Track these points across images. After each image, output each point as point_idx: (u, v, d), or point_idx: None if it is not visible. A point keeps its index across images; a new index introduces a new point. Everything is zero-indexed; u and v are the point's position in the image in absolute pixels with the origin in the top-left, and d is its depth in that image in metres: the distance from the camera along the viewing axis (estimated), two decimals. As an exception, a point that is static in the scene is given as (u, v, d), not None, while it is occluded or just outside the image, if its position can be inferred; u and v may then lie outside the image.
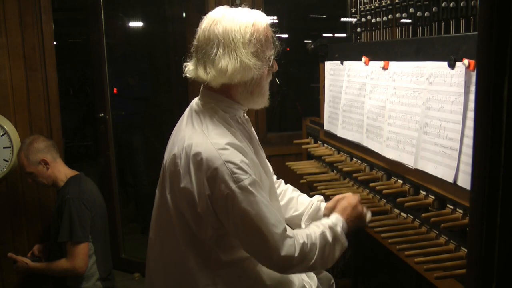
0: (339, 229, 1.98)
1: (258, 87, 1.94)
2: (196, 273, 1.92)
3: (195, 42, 1.93)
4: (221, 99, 1.94)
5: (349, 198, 2.15)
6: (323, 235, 1.93)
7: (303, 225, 2.27)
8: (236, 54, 1.81)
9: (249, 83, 1.90)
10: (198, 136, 1.84)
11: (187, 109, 2.04)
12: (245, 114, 2.08)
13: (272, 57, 1.94)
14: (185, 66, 1.97)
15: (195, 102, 2.03)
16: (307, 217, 2.29)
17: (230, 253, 1.94)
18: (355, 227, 2.12)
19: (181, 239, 1.91)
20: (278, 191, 2.35)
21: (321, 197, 2.38)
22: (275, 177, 2.38)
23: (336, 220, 2.02)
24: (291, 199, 2.35)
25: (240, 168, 1.78)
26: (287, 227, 1.87)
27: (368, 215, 2.18)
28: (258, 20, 1.88)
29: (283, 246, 1.80)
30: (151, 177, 5.14)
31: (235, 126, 1.95)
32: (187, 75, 1.95)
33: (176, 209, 1.90)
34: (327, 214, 2.17)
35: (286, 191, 2.38)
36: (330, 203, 2.22)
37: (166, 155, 2.00)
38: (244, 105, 2.00)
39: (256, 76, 1.88)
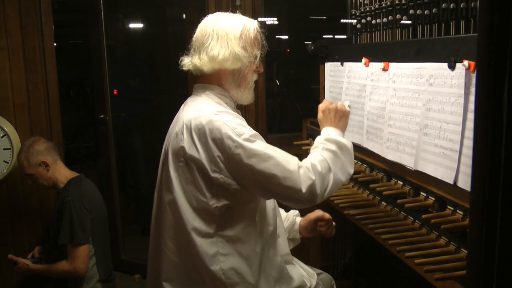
0: (333, 136, 2.09)
1: (244, 81, 2.14)
2: (198, 251, 1.97)
3: (193, 39, 2.15)
4: (215, 87, 2.12)
5: (319, 108, 2.25)
6: (323, 149, 2.04)
7: None
8: (228, 44, 2.04)
9: (237, 74, 2.10)
10: (194, 111, 2.01)
11: (183, 105, 2.19)
12: (235, 108, 2.22)
13: (259, 56, 2.14)
14: (181, 60, 2.16)
15: (189, 97, 2.19)
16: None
17: (238, 225, 2.01)
18: (345, 123, 2.22)
19: (185, 216, 1.98)
20: None
21: (297, 212, 2.54)
22: None
23: (325, 131, 2.16)
24: None
25: (239, 124, 1.95)
26: (297, 159, 1.97)
27: (346, 103, 2.27)
28: (249, 23, 2.12)
29: (301, 179, 1.90)
30: (151, 178, 5.13)
31: (229, 110, 2.08)
32: (184, 68, 2.15)
33: (181, 185, 1.99)
34: (302, 230, 2.47)
35: None
36: (303, 221, 2.48)
37: (166, 140, 2.13)
38: (233, 96, 2.15)
39: (244, 68, 2.09)
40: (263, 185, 1.92)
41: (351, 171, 2.07)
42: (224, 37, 2.04)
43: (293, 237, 2.48)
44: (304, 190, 1.89)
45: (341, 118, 2.19)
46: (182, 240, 2.00)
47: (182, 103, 2.18)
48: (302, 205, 2.03)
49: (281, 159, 1.90)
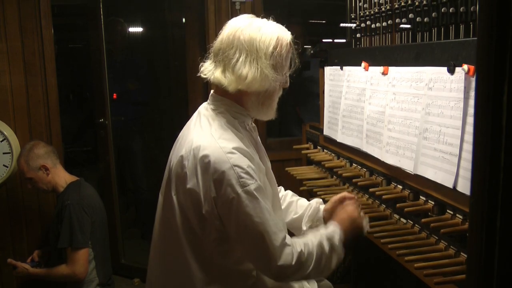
0: (336, 240, 1.97)
1: (269, 99, 1.97)
2: (196, 276, 1.92)
3: (216, 44, 1.94)
4: (232, 104, 1.96)
5: (348, 209, 2.14)
6: (320, 245, 1.93)
7: (304, 227, 2.29)
8: (258, 64, 1.84)
9: (262, 94, 1.93)
10: (206, 139, 1.86)
11: (195, 113, 2.05)
12: (253, 123, 2.09)
13: (288, 73, 1.98)
14: (201, 65, 1.99)
15: (203, 107, 2.04)
16: (307, 219, 2.30)
17: (230, 258, 1.95)
18: (353, 234, 2.11)
19: (184, 241, 1.92)
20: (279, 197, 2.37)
21: (320, 200, 2.39)
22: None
23: (334, 230, 2.01)
24: (291, 203, 2.36)
25: (247, 172, 1.80)
26: (287, 235, 1.87)
27: (366, 225, 2.16)
28: (283, 35, 1.92)
29: (281, 255, 1.81)
30: (151, 182, 5.14)
31: (243, 133, 1.97)
32: (203, 75, 1.96)
33: (181, 210, 1.91)
34: (326, 216, 2.23)
35: (286, 196, 2.40)
36: (328, 204, 2.25)
37: (172, 157, 2.01)
38: (253, 114, 2.02)
39: (271, 88, 1.91)
40: (241, 241, 1.87)
41: (325, 275, 2.01)
42: (254, 54, 1.84)
43: (316, 225, 2.32)
44: (278, 264, 1.81)
45: (354, 229, 2.10)
46: (181, 262, 1.95)
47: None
48: (265, 275, 1.95)
49: (270, 229, 1.80)
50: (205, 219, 1.86)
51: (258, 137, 2.15)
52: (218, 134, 1.87)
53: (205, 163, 1.81)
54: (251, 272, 2.00)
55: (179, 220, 1.92)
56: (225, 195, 1.78)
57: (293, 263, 1.83)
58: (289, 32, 1.97)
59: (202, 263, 1.93)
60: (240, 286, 1.98)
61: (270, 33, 1.88)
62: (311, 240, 1.94)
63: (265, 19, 1.95)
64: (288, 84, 2.03)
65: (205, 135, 1.88)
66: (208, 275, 1.93)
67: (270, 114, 2.04)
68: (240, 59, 1.85)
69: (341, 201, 2.23)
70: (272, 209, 1.88)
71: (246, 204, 1.78)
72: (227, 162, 1.79)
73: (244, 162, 1.82)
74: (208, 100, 2.05)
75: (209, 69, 1.95)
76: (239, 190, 1.77)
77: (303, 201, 2.38)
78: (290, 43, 1.95)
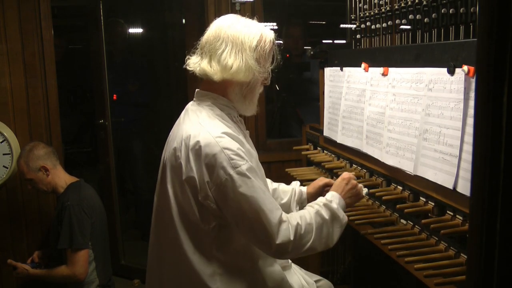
0: (334, 205, 2.03)
1: (251, 93, 2.05)
2: (196, 270, 1.94)
3: (203, 39, 2.03)
4: (218, 97, 2.04)
5: (343, 175, 2.22)
6: (318, 213, 1.98)
7: (294, 211, 2.37)
8: (242, 55, 1.93)
9: (245, 86, 2.01)
10: (195, 127, 1.92)
11: (183, 111, 2.12)
12: (239, 116, 2.15)
13: (270, 69, 2.06)
14: (188, 59, 2.06)
15: (190, 103, 2.11)
16: (295, 203, 2.41)
17: (230, 249, 1.97)
18: (353, 202, 2.19)
19: (182, 235, 1.95)
20: None
21: (298, 182, 2.53)
22: None
23: (331, 196, 2.09)
24: (275, 190, 2.42)
25: (237, 154, 1.86)
26: (283, 213, 1.92)
27: (365, 190, 2.24)
28: (266, 33, 2.02)
29: (279, 232, 1.86)
30: (151, 183, 5.13)
31: (230, 123, 2.02)
32: (188, 67, 2.04)
33: (178, 202, 1.94)
34: (309, 198, 2.37)
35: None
36: (310, 188, 2.41)
37: (165, 153, 2.06)
38: (236, 107, 2.08)
39: (253, 80, 2.00)
40: (239, 222, 1.90)
41: (331, 244, 2.02)
42: (239, 46, 1.94)
43: (301, 206, 2.46)
44: (277, 242, 1.85)
45: (353, 196, 2.16)
46: (179, 258, 1.96)
47: (182, 108, 2.14)
48: (267, 254, 1.99)
49: (265, 207, 1.85)
50: (202, 207, 1.89)
51: (246, 130, 2.18)
52: (206, 122, 1.94)
53: (196, 150, 1.86)
54: (251, 264, 2.02)
55: (175, 214, 1.95)
56: (218, 178, 1.83)
57: (292, 238, 1.87)
58: (273, 32, 2.07)
59: (202, 256, 1.94)
60: (240, 278, 1.99)
61: (255, 29, 1.99)
62: (308, 211, 2.00)
63: (249, 19, 2.05)
64: (269, 81, 2.11)
65: (194, 125, 1.94)
66: (208, 268, 1.94)
67: (252, 108, 2.11)
68: (226, 50, 1.94)
69: (324, 186, 2.39)
70: (266, 189, 1.93)
71: (240, 185, 1.83)
72: (216, 145, 1.84)
73: (233, 145, 1.87)
74: (194, 98, 2.11)
75: (195, 62, 2.03)
76: (231, 171, 1.83)
77: (284, 187, 2.47)
78: (272, 40, 2.04)
